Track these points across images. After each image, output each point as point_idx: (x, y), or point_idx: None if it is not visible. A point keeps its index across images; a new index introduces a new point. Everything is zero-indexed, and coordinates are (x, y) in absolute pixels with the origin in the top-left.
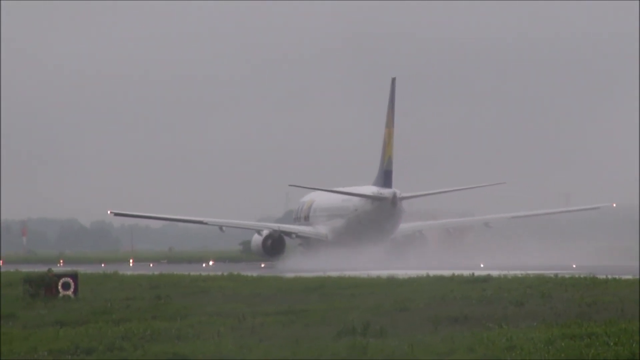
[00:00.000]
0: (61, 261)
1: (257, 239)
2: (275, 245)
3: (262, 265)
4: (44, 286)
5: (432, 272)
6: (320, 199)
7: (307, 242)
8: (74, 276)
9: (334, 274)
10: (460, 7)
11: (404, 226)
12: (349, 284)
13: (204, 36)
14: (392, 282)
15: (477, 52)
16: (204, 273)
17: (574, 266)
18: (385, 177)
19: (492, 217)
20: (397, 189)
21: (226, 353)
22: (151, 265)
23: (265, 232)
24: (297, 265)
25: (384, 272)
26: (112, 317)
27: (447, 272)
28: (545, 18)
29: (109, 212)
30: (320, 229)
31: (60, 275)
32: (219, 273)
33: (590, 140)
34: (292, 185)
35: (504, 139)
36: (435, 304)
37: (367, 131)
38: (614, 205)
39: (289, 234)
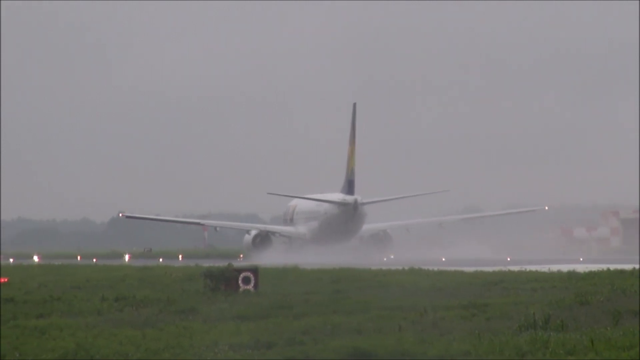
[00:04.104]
0: (240, 255)
1: (247, 238)
2: (262, 242)
3: (240, 257)
4: (224, 281)
5: (611, 267)
6: (301, 203)
7: (290, 240)
8: (255, 271)
9: (514, 268)
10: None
11: (370, 226)
12: (530, 278)
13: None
14: (572, 276)
15: (467, 54)
16: (384, 268)
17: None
18: (349, 186)
19: (445, 218)
20: (359, 195)
21: (407, 347)
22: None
23: (254, 232)
24: (275, 258)
25: (561, 267)
26: (292, 311)
27: (627, 267)
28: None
29: (120, 214)
30: (301, 229)
31: (240, 270)
32: (400, 267)
33: (582, 142)
34: (270, 194)
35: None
36: (615, 298)
37: (343, 144)
38: (546, 208)
39: (274, 233)
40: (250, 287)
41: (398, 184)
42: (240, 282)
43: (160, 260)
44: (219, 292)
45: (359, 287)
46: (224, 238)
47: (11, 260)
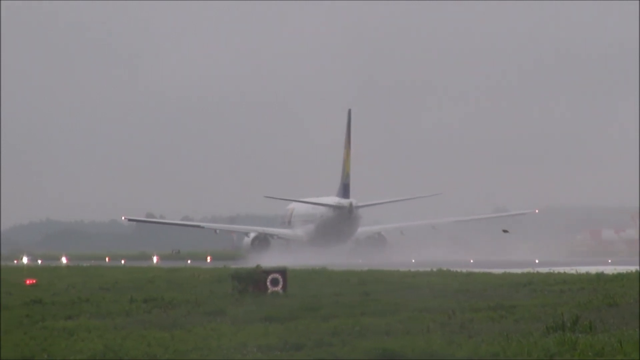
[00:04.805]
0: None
1: (246, 240)
2: (261, 244)
3: (189, 261)
4: (252, 282)
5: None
6: (298, 207)
7: (287, 242)
8: (283, 272)
9: (542, 269)
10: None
11: (366, 229)
12: (558, 280)
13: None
14: (600, 278)
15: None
16: (412, 269)
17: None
18: (344, 190)
19: (438, 221)
20: (354, 199)
21: (436, 349)
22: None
23: (252, 235)
24: (273, 260)
25: (589, 268)
26: (320, 313)
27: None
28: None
29: (123, 218)
30: (298, 231)
31: (268, 272)
32: (428, 269)
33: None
34: (267, 197)
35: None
36: None
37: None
38: (537, 211)
39: (272, 235)
40: (279, 288)
41: (405, 185)
42: (268, 283)
43: (189, 261)
44: (247, 293)
45: (388, 288)
46: None
47: (39, 261)
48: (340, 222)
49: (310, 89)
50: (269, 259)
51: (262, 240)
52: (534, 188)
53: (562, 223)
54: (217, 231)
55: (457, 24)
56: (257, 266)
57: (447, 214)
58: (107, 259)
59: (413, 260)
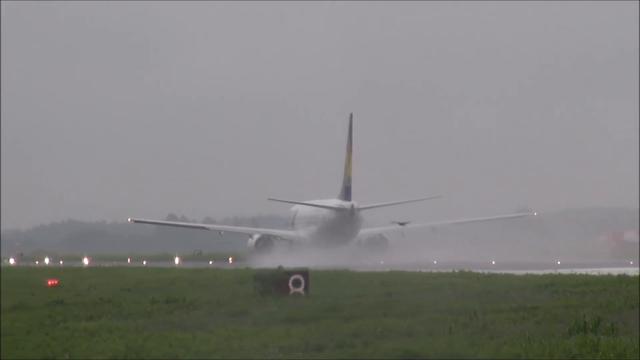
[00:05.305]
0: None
1: (250, 242)
2: (264, 245)
3: (210, 262)
4: (274, 283)
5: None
6: (302, 209)
7: (290, 243)
8: (305, 273)
9: (564, 271)
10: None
11: (367, 230)
12: (580, 282)
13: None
14: (622, 280)
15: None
16: (434, 270)
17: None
18: (346, 192)
19: (438, 223)
20: (356, 201)
21: (457, 350)
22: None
23: (256, 236)
24: (275, 261)
25: (611, 270)
26: (342, 314)
27: None
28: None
29: (129, 219)
30: (301, 233)
31: (291, 273)
32: (450, 270)
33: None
34: (270, 200)
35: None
36: None
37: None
38: (535, 213)
39: (275, 237)
40: (301, 289)
41: (406, 186)
42: (290, 284)
43: (211, 262)
44: (269, 294)
45: (410, 290)
46: None
47: (61, 262)
48: (342, 224)
49: (311, 89)
50: (272, 260)
51: (266, 242)
52: (556, 189)
53: (585, 224)
54: (222, 233)
55: (457, 25)
56: (280, 267)
57: (468, 214)
58: (128, 260)
59: (435, 262)
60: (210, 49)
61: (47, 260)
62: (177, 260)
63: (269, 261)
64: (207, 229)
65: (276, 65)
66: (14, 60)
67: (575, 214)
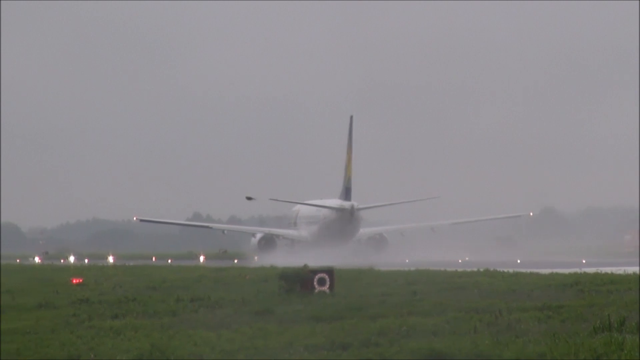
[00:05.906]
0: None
1: (253, 240)
2: (267, 244)
3: (235, 261)
4: (299, 282)
5: None
6: (303, 209)
7: (292, 242)
8: (330, 272)
9: (589, 270)
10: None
11: (367, 230)
12: (605, 280)
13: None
14: None
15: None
16: (459, 269)
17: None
18: (346, 193)
19: (436, 223)
20: (356, 201)
21: (482, 349)
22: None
23: (259, 235)
24: (277, 259)
25: (636, 269)
26: (367, 312)
27: None
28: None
29: (135, 218)
30: (302, 232)
31: (316, 272)
32: (475, 269)
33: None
34: (272, 200)
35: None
36: None
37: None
38: (531, 214)
39: (277, 236)
40: (326, 288)
41: (406, 187)
42: (315, 283)
43: (235, 261)
44: (294, 293)
45: (435, 288)
46: None
47: (86, 260)
48: (342, 223)
49: (311, 89)
50: (274, 259)
51: (269, 241)
52: (579, 188)
53: (610, 223)
54: (225, 232)
55: (457, 26)
56: (305, 266)
57: (475, 214)
58: (153, 259)
59: (460, 260)
60: (210, 48)
61: (72, 259)
62: (202, 259)
63: (271, 260)
64: (211, 228)
65: (277, 66)
66: (35, 58)
67: (599, 213)
